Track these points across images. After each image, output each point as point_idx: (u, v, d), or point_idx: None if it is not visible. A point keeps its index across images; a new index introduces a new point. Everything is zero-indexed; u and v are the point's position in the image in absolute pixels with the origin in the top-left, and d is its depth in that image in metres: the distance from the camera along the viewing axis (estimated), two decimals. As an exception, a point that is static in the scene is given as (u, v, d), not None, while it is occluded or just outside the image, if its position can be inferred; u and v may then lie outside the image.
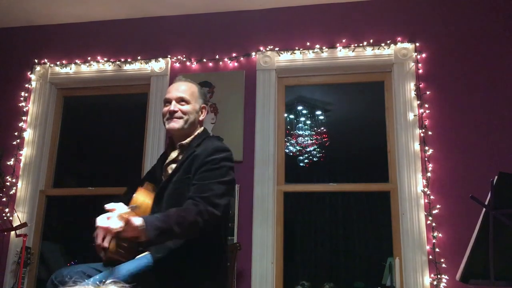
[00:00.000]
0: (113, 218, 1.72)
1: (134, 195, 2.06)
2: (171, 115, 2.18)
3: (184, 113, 2.19)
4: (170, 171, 2.16)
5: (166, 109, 2.22)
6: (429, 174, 3.21)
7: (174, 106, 2.18)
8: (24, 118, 3.85)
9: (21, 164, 3.75)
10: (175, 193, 2.04)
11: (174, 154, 2.21)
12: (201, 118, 2.27)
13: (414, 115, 3.33)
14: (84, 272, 1.99)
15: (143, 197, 2.06)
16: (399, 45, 3.48)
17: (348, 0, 3.65)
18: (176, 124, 2.17)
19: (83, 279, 1.88)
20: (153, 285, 1.89)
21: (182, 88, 2.24)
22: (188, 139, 2.21)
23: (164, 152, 2.35)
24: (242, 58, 3.68)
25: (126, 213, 1.74)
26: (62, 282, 1.91)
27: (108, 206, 1.75)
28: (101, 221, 1.72)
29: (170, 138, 2.31)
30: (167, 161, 2.21)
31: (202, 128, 2.29)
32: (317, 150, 5.95)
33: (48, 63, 3.96)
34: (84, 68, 3.90)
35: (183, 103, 2.20)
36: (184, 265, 1.96)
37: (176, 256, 1.95)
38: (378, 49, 3.50)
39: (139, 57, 3.82)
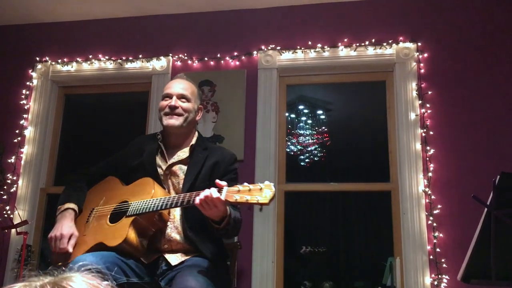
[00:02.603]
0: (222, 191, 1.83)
1: (153, 189, 2.02)
2: (172, 110, 2.16)
3: (185, 110, 2.17)
4: (180, 172, 2.15)
5: (165, 103, 2.19)
6: (430, 174, 3.20)
7: (175, 101, 2.17)
8: (25, 115, 3.85)
9: (22, 162, 3.75)
10: None
11: (183, 155, 2.18)
12: (197, 118, 2.27)
13: (416, 115, 3.33)
14: (116, 262, 1.87)
15: (161, 191, 2.07)
16: (401, 44, 3.48)
17: (350, -1, 3.65)
18: (176, 121, 2.15)
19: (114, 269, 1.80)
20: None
21: (183, 86, 2.23)
22: (194, 140, 2.22)
23: (138, 146, 2.26)
24: (243, 57, 3.68)
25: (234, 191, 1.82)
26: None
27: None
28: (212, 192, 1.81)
29: (163, 134, 2.26)
30: (174, 160, 2.17)
31: (196, 131, 2.31)
32: (318, 150, 5.96)
33: (50, 61, 3.96)
34: (85, 66, 3.90)
35: (184, 100, 2.18)
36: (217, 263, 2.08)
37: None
38: (380, 48, 3.49)
39: (140, 56, 3.81)
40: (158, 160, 2.20)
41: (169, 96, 2.20)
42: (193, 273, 1.84)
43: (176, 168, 2.16)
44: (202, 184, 2.07)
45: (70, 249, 1.98)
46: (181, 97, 2.19)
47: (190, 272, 1.85)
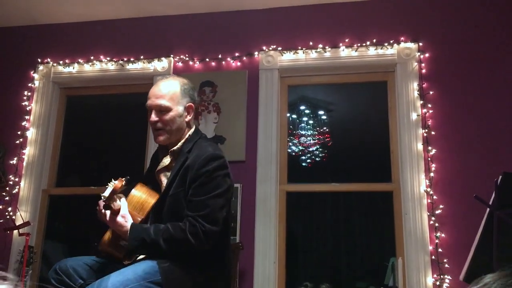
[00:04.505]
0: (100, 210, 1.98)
1: (132, 191, 2.06)
2: (154, 125, 2.07)
3: (166, 123, 2.05)
4: (164, 179, 2.10)
5: (149, 119, 2.09)
6: (432, 174, 3.20)
7: (154, 116, 2.06)
8: (27, 117, 3.86)
9: (24, 163, 3.75)
10: (173, 208, 1.98)
11: (166, 161, 2.11)
12: (187, 119, 2.12)
13: (417, 115, 3.33)
14: (88, 264, 1.99)
15: (139, 193, 2.06)
16: (402, 44, 3.48)
17: (351, -1, 3.65)
18: (161, 137, 2.07)
19: (88, 273, 1.96)
20: None
21: (161, 93, 2.07)
22: (179, 144, 2.09)
23: (156, 154, 2.27)
24: (244, 58, 3.68)
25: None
26: (66, 273, 1.93)
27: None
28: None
29: None
30: (159, 167, 2.12)
31: (193, 129, 2.16)
32: (320, 150, 5.95)
33: (51, 62, 3.96)
34: (87, 67, 3.90)
35: (161, 113, 2.05)
36: (191, 270, 1.93)
37: (181, 263, 1.91)
38: (381, 48, 3.49)
39: (142, 57, 3.82)
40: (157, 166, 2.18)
41: (149, 111, 2.09)
42: (113, 274, 1.81)
43: (161, 175, 2.12)
44: (176, 191, 1.98)
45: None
46: (159, 109, 2.05)
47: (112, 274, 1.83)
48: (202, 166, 1.96)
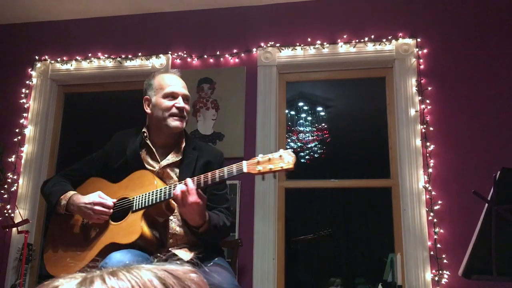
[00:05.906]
0: (193, 192, 1.83)
1: (155, 180, 2.00)
2: (180, 112, 2.09)
3: (188, 113, 2.15)
4: (172, 174, 2.10)
5: (170, 103, 2.09)
6: (430, 170, 3.20)
7: (183, 103, 2.11)
8: (25, 114, 3.85)
9: (22, 161, 3.75)
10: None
11: (176, 157, 2.12)
12: None
13: (416, 111, 3.33)
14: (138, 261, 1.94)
15: (162, 181, 2.05)
16: (401, 40, 3.48)
17: (349, -5, 3.64)
18: (182, 124, 2.11)
19: None
20: None
21: (184, 85, 2.19)
22: (184, 141, 2.17)
23: (127, 141, 2.21)
24: (243, 54, 3.67)
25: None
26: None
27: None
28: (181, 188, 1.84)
29: (150, 131, 2.20)
30: (168, 162, 2.11)
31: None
32: (318, 146, 5.96)
33: (49, 60, 3.95)
34: (84, 64, 3.89)
35: (186, 101, 2.14)
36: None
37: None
38: (380, 44, 3.49)
39: (139, 54, 3.81)
40: (148, 159, 2.14)
41: (174, 96, 2.11)
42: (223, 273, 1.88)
43: (168, 170, 2.11)
44: None
45: (110, 203, 2.00)
46: (185, 98, 2.14)
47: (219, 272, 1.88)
48: (222, 162, 2.14)
